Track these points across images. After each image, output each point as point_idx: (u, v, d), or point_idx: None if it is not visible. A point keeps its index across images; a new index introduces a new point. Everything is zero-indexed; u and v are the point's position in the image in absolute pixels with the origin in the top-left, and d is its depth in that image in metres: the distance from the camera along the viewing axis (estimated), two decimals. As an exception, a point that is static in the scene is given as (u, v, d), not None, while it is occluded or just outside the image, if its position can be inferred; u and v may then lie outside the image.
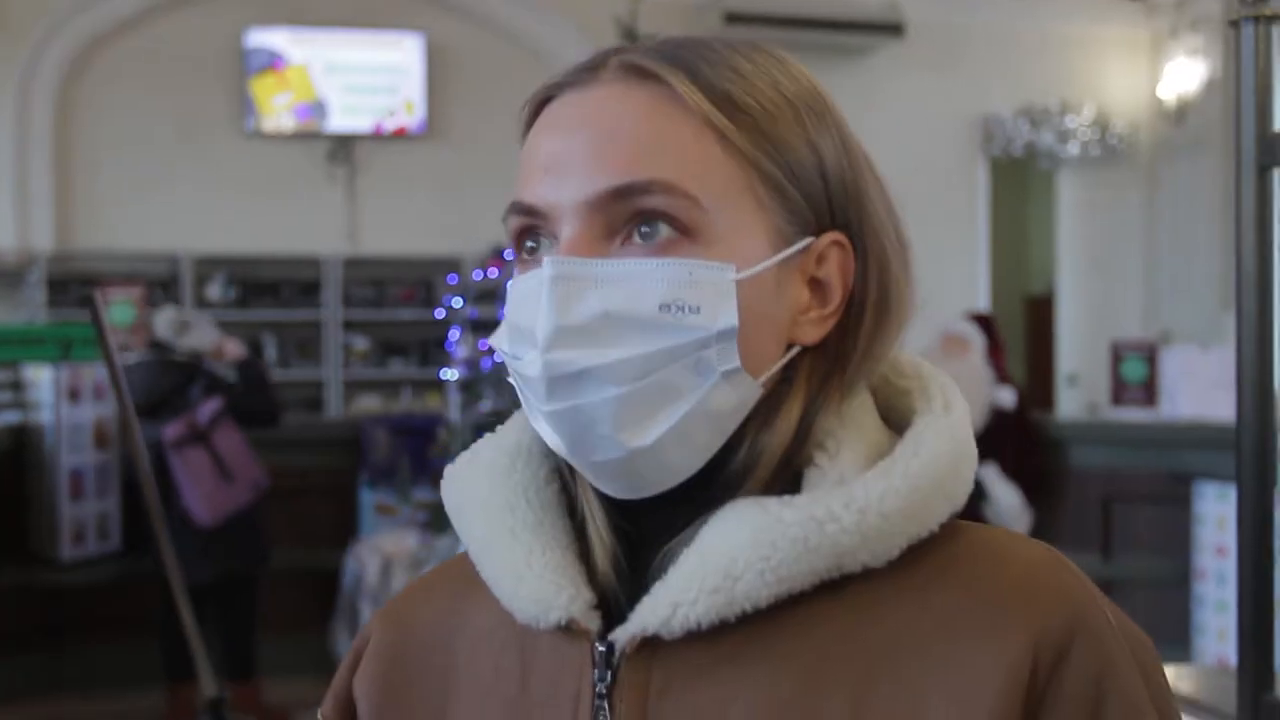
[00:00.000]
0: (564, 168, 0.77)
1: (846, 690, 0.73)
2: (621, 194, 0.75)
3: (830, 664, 0.73)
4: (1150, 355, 6.05)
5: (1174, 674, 2.15)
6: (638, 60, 0.78)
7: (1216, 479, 5.22)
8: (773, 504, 0.75)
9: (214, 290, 8.05)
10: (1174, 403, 5.86)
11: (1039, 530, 5.67)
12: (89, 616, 5.75)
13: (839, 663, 0.73)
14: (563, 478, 0.85)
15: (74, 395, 5.60)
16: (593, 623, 0.78)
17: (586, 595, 0.78)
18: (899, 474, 0.75)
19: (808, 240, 0.79)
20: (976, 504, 5.48)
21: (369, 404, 8.03)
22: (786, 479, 0.78)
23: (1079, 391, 9.15)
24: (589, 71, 0.80)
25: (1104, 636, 0.73)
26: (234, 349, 5.50)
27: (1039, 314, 10.61)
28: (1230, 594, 5.08)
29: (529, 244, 0.79)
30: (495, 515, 0.82)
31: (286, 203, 8.14)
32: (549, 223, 0.77)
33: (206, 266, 8.06)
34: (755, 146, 0.77)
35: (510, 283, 0.79)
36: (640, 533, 0.80)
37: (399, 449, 6.28)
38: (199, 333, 5.42)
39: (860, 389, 0.81)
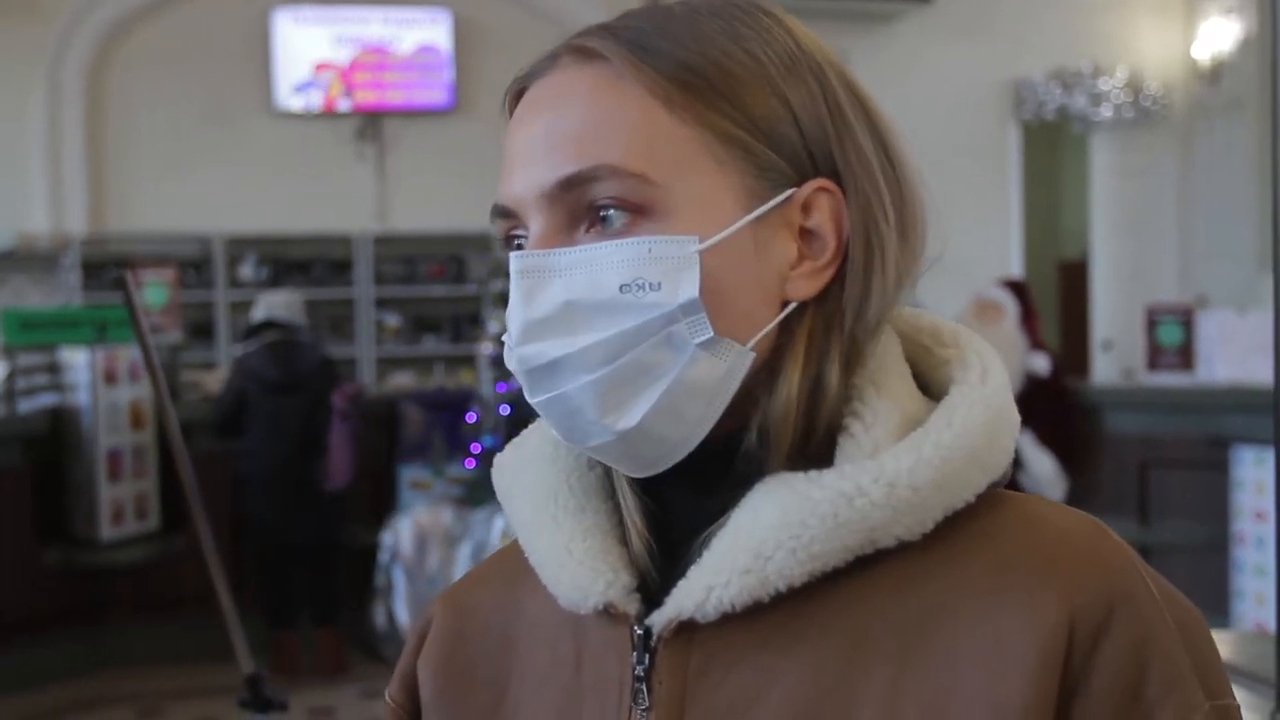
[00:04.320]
0: (525, 163, 0.76)
1: (883, 667, 0.72)
2: (571, 184, 0.74)
3: (867, 641, 0.73)
4: (1186, 319, 5.99)
5: (1213, 640, 2.13)
6: (584, 42, 0.77)
7: (1255, 443, 5.17)
8: (800, 481, 0.74)
9: (246, 270, 8.08)
10: (1211, 367, 5.81)
11: (1075, 497, 5.64)
12: (129, 595, 5.82)
13: (875, 640, 0.73)
14: (603, 463, 0.85)
15: (110, 377, 5.64)
16: (631, 606, 0.78)
17: (625, 579, 0.79)
18: (930, 445, 0.73)
19: (788, 193, 0.76)
20: (1012, 472, 5.45)
21: (402, 380, 8.07)
22: (821, 446, 0.76)
23: (1114, 357, 9.07)
24: (550, 60, 0.79)
25: (1144, 607, 0.71)
26: None
27: (1073, 279, 10.51)
28: (1269, 559, 5.05)
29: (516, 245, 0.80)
30: (540, 502, 0.83)
31: (316, 181, 8.17)
32: (522, 220, 0.77)
33: (238, 247, 8.09)
34: (707, 107, 0.75)
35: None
36: (672, 517, 0.80)
37: (432, 425, 6.31)
38: (301, 313, 5.90)
39: (875, 345, 0.78)
